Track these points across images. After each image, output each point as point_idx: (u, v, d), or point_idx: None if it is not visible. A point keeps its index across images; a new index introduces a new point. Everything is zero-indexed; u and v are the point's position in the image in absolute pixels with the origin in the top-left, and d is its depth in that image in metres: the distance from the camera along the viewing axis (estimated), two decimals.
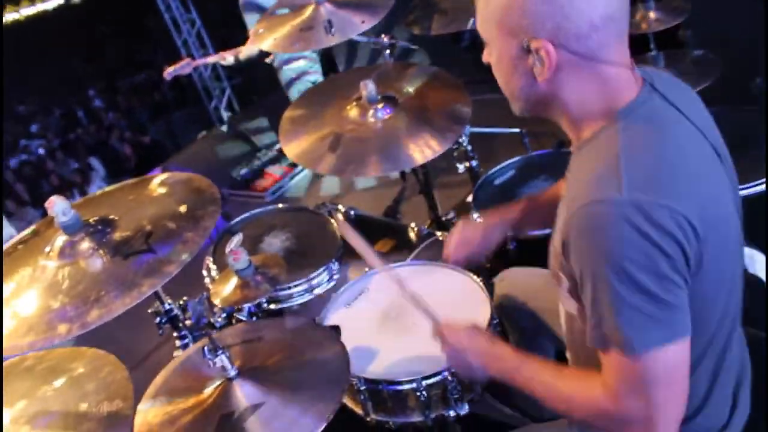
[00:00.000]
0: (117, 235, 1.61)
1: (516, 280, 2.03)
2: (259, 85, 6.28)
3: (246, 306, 2.10)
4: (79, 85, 11.53)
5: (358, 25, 2.46)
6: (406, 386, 1.77)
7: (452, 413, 1.81)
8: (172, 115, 9.26)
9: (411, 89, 2.40)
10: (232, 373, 1.58)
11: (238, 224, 2.59)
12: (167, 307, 1.98)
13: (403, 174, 3.89)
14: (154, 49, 10.02)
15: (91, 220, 1.64)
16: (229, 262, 1.89)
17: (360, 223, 2.71)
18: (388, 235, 2.58)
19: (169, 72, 4.33)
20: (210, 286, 2.13)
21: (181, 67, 4.35)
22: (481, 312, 1.89)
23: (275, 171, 4.99)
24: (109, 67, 12.06)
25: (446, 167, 2.89)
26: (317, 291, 2.26)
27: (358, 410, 1.86)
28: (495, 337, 1.59)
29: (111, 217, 1.67)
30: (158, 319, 1.99)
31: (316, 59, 4.57)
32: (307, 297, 2.25)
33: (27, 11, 13.19)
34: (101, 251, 1.56)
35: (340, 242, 2.36)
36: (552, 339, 1.91)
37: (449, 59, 4.93)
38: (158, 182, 1.88)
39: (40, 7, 13.18)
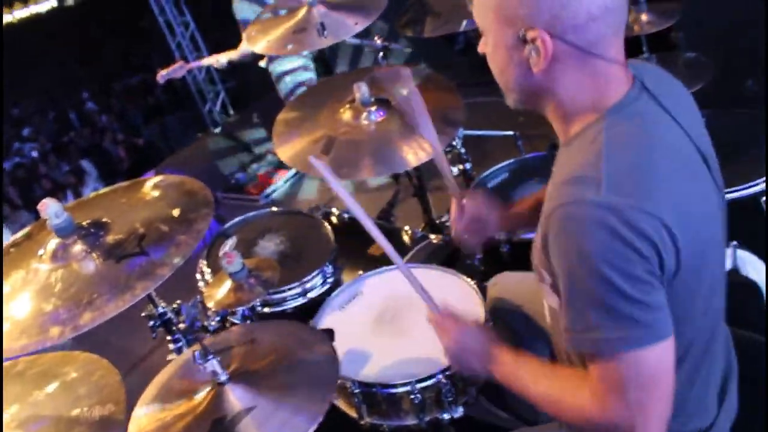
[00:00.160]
0: (110, 238, 1.60)
1: (509, 284, 2.02)
2: (253, 88, 6.28)
3: (240, 309, 2.10)
4: (72, 88, 11.51)
5: (351, 27, 2.46)
6: (400, 389, 1.77)
7: (446, 416, 1.81)
8: (166, 118, 9.26)
9: (404, 92, 2.40)
10: (223, 377, 1.57)
11: (231, 227, 2.59)
12: (161, 310, 1.97)
13: (396, 177, 3.90)
14: (147, 51, 10.02)
15: (83, 223, 1.63)
16: (222, 265, 1.89)
17: (353, 226, 2.71)
18: None
19: (163, 75, 4.33)
20: (204, 290, 2.12)
21: (174, 71, 4.35)
22: (475, 315, 1.90)
23: (269, 174, 4.99)
24: (103, 69, 12.05)
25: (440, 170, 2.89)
26: (311, 294, 2.26)
27: (353, 413, 1.86)
28: (494, 335, 1.57)
29: (104, 219, 1.66)
30: (152, 323, 1.98)
31: (309, 58, 4.56)
32: (300, 300, 2.25)
33: (20, 14, 13.17)
34: (94, 254, 1.56)
35: (334, 246, 2.36)
36: (546, 342, 1.91)
37: (443, 62, 4.95)
38: (151, 185, 1.88)
39: (33, 10, 13.16)
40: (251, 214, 2.63)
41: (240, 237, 2.20)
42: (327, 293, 2.22)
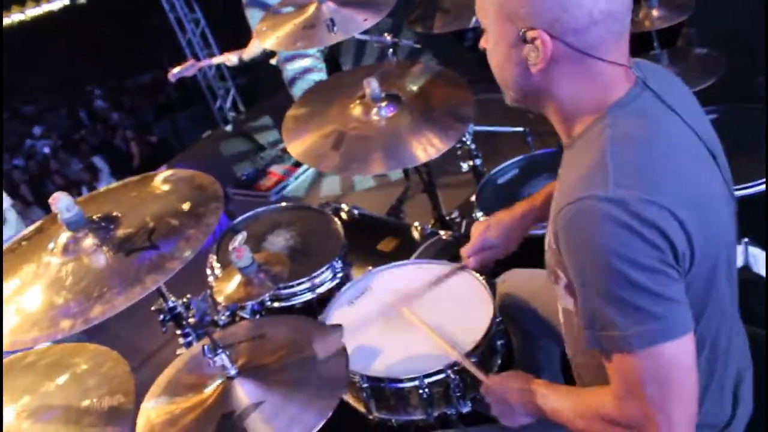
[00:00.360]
0: (120, 232, 1.61)
1: (518, 280, 2.02)
2: (264, 85, 6.29)
3: (249, 304, 2.10)
4: (84, 85, 11.57)
5: (360, 23, 2.46)
6: (409, 384, 1.76)
7: (455, 411, 1.81)
8: (177, 115, 9.29)
9: (414, 87, 2.41)
10: (233, 372, 1.58)
11: (241, 222, 2.60)
12: (170, 304, 1.98)
13: (406, 173, 3.90)
14: (158, 49, 10.05)
15: (94, 217, 1.64)
16: (232, 260, 1.90)
17: (363, 222, 2.72)
18: (391, 234, 2.58)
19: (174, 74, 4.35)
20: (213, 284, 2.13)
21: (186, 69, 4.36)
22: (485, 312, 1.89)
23: (279, 170, 4.99)
24: (114, 67, 12.11)
25: (450, 166, 2.89)
26: (320, 290, 2.27)
27: (361, 408, 1.86)
28: (528, 375, 1.58)
29: (114, 213, 1.67)
30: (161, 317, 1.98)
31: (319, 57, 4.57)
32: (309, 295, 2.26)
33: (33, 12, 13.24)
34: (104, 248, 1.57)
35: (344, 241, 2.37)
36: (556, 340, 1.90)
37: (453, 58, 4.94)
38: (161, 179, 1.89)
39: (45, 8, 13.23)
40: (261, 209, 2.64)
41: (250, 232, 2.21)
42: (336, 288, 2.22)
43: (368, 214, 2.77)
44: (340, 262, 2.31)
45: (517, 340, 2.06)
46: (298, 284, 2.24)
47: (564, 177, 1.30)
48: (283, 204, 2.71)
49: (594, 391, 1.35)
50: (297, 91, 4.52)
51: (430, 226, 2.69)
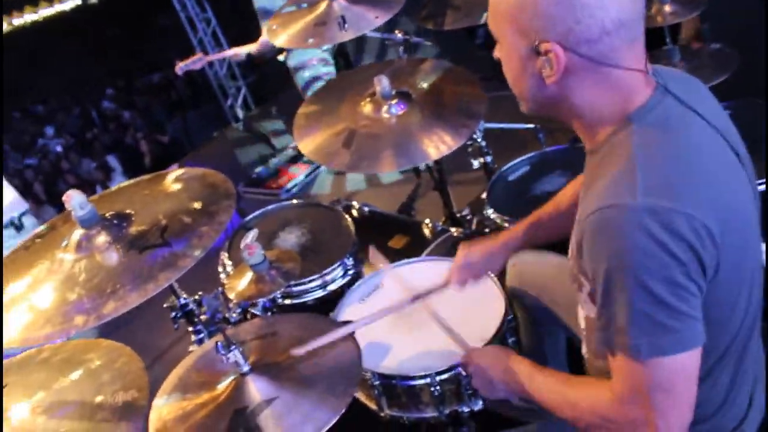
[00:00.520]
0: (133, 230, 1.61)
1: (527, 265, 2.01)
2: (274, 83, 6.30)
3: (260, 301, 2.11)
4: (96, 85, 11.64)
5: (371, 20, 2.46)
6: (420, 381, 1.77)
7: (466, 409, 1.81)
8: (188, 114, 9.32)
9: (425, 85, 2.40)
10: (246, 368, 1.58)
11: (252, 220, 2.60)
12: (182, 301, 1.99)
13: (417, 171, 3.89)
14: (169, 48, 10.09)
15: (107, 215, 1.65)
16: (243, 257, 1.90)
17: (374, 219, 2.72)
18: (402, 231, 2.58)
19: (181, 67, 4.36)
20: (225, 281, 2.14)
21: (193, 62, 4.37)
22: (496, 308, 1.89)
23: (290, 169, 5.00)
24: (126, 66, 12.16)
25: (461, 163, 2.89)
26: (331, 287, 2.27)
27: (372, 406, 1.87)
28: (512, 352, 1.59)
29: (127, 211, 1.68)
30: (174, 314, 2.00)
31: (328, 53, 4.56)
32: (321, 292, 2.26)
33: (45, 12, 13.32)
34: (117, 245, 1.57)
35: (355, 238, 2.37)
36: (564, 327, 1.90)
37: (463, 56, 4.93)
38: (173, 178, 1.89)
39: (58, 8, 13.31)
40: (272, 206, 2.65)
41: (261, 229, 2.21)
42: (347, 285, 2.22)
43: (379, 212, 2.78)
44: (351, 259, 2.31)
45: (524, 325, 2.05)
46: (310, 281, 2.24)
47: (589, 184, 1.29)
48: (294, 201, 2.72)
49: (590, 384, 1.36)
50: (304, 86, 4.51)
51: (441, 223, 2.68)
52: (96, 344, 1.67)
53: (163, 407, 1.61)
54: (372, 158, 2.17)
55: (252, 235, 1.96)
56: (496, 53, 1.35)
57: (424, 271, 2.11)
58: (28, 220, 4.12)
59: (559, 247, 1.63)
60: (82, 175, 8.59)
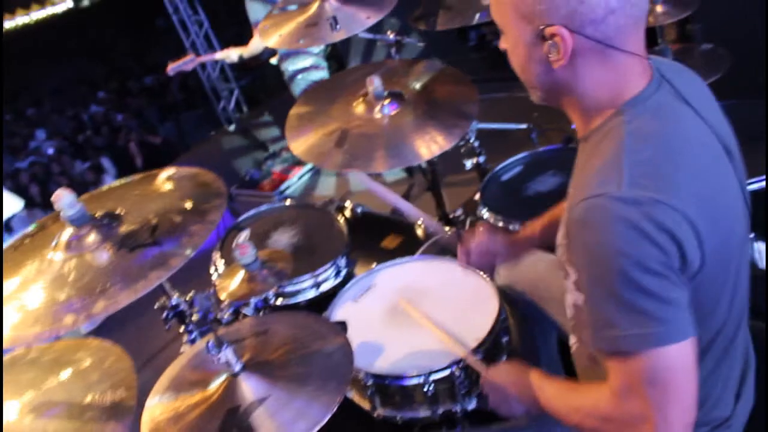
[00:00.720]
0: (123, 229, 1.60)
1: (521, 264, 2.01)
2: (267, 86, 6.30)
3: (252, 301, 2.10)
4: (88, 87, 11.61)
5: (363, 20, 2.45)
6: (414, 381, 1.76)
7: (460, 408, 1.80)
8: (181, 116, 9.31)
9: (418, 85, 2.40)
10: (237, 367, 1.58)
11: (245, 220, 2.59)
12: (174, 302, 1.97)
13: (410, 171, 3.89)
14: (162, 50, 10.08)
15: (97, 214, 1.64)
16: (236, 257, 1.89)
17: (367, 219, 2.71)
18: (395, 231, 2.58)
19: (173, 68, 4.34)
20: (217, 281, 2.12)
21: (184, 63, 4.36)
22: (490, 308, 1.88)
23: (283, 170, 5.00)
24: (119, 69, 12.14)
25: (454, 164, 2.89)
26: (324, 287, 2.26)
27: (365, 405, 1.86)
28: (525, 366, 1.58)
29: (117, 211, 1.67)
30: (165, 314, 1.98)
31: (321, 56, 4.56)
32: (314, 293, 2.25)
33: (37, 15, 13.28)
34: (107, 244, 1.56)
35: (347, 238, 2.36)
36: (556, 326, 1.90)
37: (457, 58, 4.92)
38: (165, 177, 1.88)
39: (50, 11, 13.27)
40: (265, 207, 2.64)
41: (253, 230, 2.21)
42: (340, 286, 2.21)
43: (372, 212, 2.77)
44: (344, 259, 2.30)
45: (516, 324, 2.05)
46: (302, 281, 2.24)
47: (579, 171, 1.29)
48: (287, 202, 2.71)
49: (591, 386, 1.35)
50: (296, 89, 4.50)
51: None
52: (85, 344, 1.65)
53: (156, 408, 1.60)
54: (364, 158, 2.17)
55: (244, 234, 1.95)
56: (502, 44, 1.34)
57: (417, 270, 2.11)
58: (17, 223, 4.09)
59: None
60: (74, 177, 8.55)
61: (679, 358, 1.17)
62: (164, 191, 1.81)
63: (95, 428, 1.40)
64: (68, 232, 1.59)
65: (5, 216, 3.63)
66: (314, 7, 2.56)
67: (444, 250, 2.32)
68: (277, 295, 2.23)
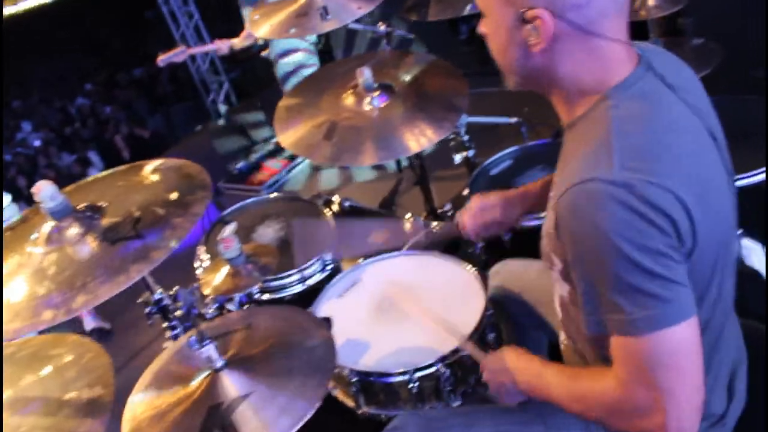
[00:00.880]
0: (105, 221, 1.57)
1: (510, 272, 2.00)
2: (257, 79, 6.25)
3: (237, 296, 2.07)
4: (77, 79, 11.51)
5: (353, 10, 2.42)
6: (399, 378, 1.74)
7: (445, 406, 1.78)
8: (170, 109, 9.24)
9: (408, 77, 2.38)
10: (220, 363, 1.55)
11: (231, 214, 2.57)
12: (157, 296, 1.95)
13: (399, 166, 3.87)
14: (152, 42, 9.99)
15: (79, 207, 1.61)
16: (220, 251, 1.87)
17: (354, 213, 2.69)
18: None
19: (163, 59, 4.30)
20: (200, 276, 2.10)
21: (175, 55, 4.32)
22: (476, 303, 1.87)
23: (272, 164, 4.97)
24: (107, 60, 12.04)
25: (443, 159, 2.87)
26: (310, 282, 2.24)
27: (350, 403, 1.84)
28: (522, 351, 1.54)
29: (99, 203, 1.64)
30: (148, 310, 1.96)
31: (313, 51, 4.53)
32: (299, 287, 2.23)
33: (25, 5, 13.14)
34: (89, 237, 1.53)
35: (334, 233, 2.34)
36: (546, 332, 1.88)
37: (448, 52, 4.90)
38: (151, 169, 1.85)
39: (38, 1, 13.13)
40: (251, 200, 2.61)
41: (239, 223, 2.18)
42: (326, 281, 2.19)
43: (359, 207, 2.75)
44: (329, 254, 2.28)
45: (508, 331, 2.03)
46: (288, 276, 2.21)
47: (566, 158, 1.27)
48: (273, 195, 2.68)
49: (593, 374, 1.32)
50: (290, 87, 4.48)
51: (422, 218, 2.65)
52: (63, 339, 1.62)
53: (138, 404, 1.58)
54: (353, 151, 2.14)
55: (229, 228, 1.92)
56: (481, 28, 1.32)
57: (404, 265, 2.09)
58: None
59: None
60: (61, 170, 8.48)
61: (685, 338, 1.15)
62: (148, 183, 1.78)
63: (71, 425, 1.37)
64: (49, 224, 1.56)
65: None
66: None
67: (432, 245, 2.30)
68: (262, 290, 2.20)
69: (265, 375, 1.53)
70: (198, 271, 2.35)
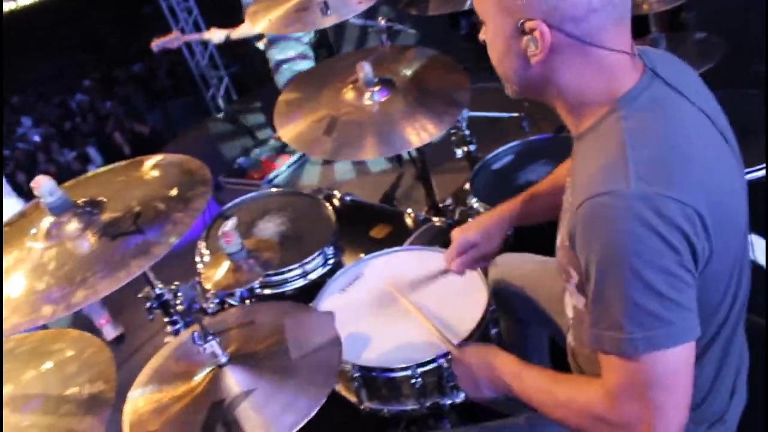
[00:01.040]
0: (105, 216, 1.57)
1: (510, 265, 1.99)
2: (257, 74, 6.24)
3: (238, 291, 2.06)
4: (75, 75, 11.49)
5: (354, 5, 2.41)
6: (401, 373, 1.73)
7: (447, 401, 1.78)
8: (170, 104, 9.23)
9: (408, 72, 2.37)
10: (223, 359, 1.54)
11: (231, 208, 2.55)
12: (158, 291, 1.94)
13: (400, 161, 3.86)
14: (151, 38, 9.96)
15: (79, 202, 1.60)
16: (221, 246, 1.86)
17: (355, 208, 2.68)
18: (384, 221, 2.55)
19: (157, 44, 4.28)
20: (201, 271, 2.09)
21: (170, 40, 4.30)
22: (479, 300, 1.86)
23: (272, 159, 4.96)
24: (106, 56, 12.03)
25: (444, 153, 2.86)
26: (311, 276, 2.23)
27: (352, 398, 1.83)
28: (498, 349, 1.55)
29: (99, 198, 1.63)
30: (148, 305, 1.95)
31: (308, 44, 4.51)
32: (301, 282, 2.22)
33: (25, 1, 13.12)
34: (89, 232, 1.53)
35: (335, 227, 2.33)
36: (546, 326, 1.88)
37: (448, 47, 4.88)
38: (151, 164, 1.85)
39: None
40: (251, 194, 2.60)
41: (240, 218, 2.16)
42: (328, 275, 2.18)
43: (360, 201, 2.74)
44: (331, 248, 2.27)
45: (507, 324, 2.03)
46: (289, 271, 2.20)
47: (579, 171, 1.26)
48: (274, 189, 2.67)
49: (581, 382, 1.33)
50: (281, 78, 4.44)
51: (423, 213, 2.65)
52: (64, 334, 1.62)
53: (139, 399, 1.57)
54: (354, 145, 2.13)
55: (231, 223, 1.92)
56: (482, 35, 1.32)
57: (406, 260, 2.08)
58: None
59: (544, 247, 1.60)
60: (61, 166, 8.47)
61: (681, 360, 1.15)
62: (148, 178, 1.78)
63: (72, 422, 1.37)
64: (49, 220, 1.56)
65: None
66: None
67: (434, 240, 2.30)
68: (264, 285, 2.19)
69: (269, 372, 1.52)
70: (199, 266, 2.34)
